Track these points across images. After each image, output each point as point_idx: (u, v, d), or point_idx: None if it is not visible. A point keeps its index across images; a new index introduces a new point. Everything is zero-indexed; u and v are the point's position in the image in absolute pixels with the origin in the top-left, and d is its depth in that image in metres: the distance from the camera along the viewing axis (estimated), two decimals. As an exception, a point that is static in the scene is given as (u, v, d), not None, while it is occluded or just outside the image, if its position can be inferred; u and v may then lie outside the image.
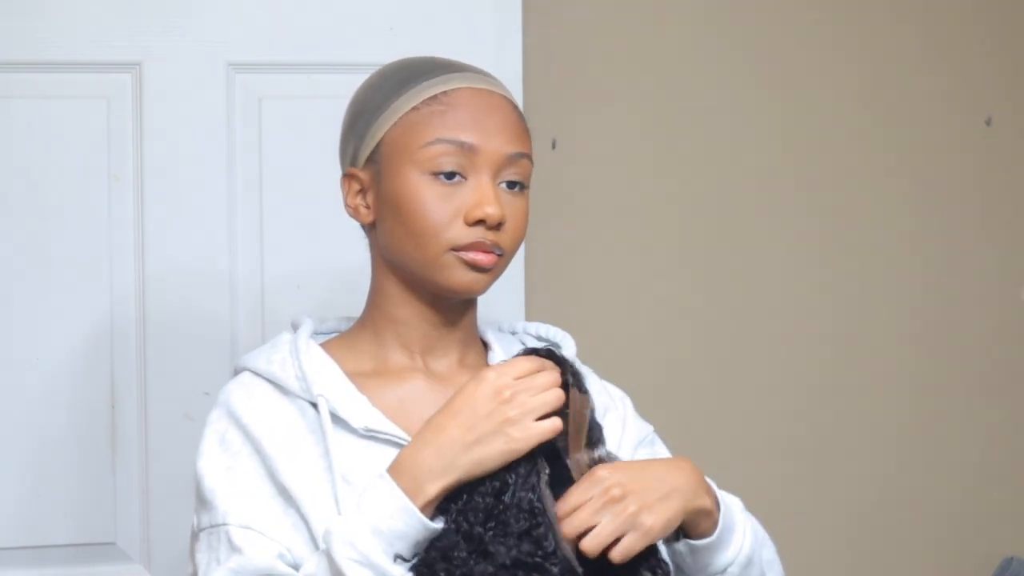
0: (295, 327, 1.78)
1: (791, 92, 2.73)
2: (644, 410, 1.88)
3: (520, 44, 2.54)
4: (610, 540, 1.56)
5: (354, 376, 1.72)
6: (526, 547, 1.54)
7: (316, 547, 1.62)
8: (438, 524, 1.58)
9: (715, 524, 1.65)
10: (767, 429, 2.70)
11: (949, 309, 2.81)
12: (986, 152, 2.81)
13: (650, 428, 1.84)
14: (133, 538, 2.41)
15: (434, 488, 1.57)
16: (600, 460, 1.61)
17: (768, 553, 1.75)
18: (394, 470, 1.59)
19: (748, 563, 1.69)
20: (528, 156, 1.73)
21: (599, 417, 1.67)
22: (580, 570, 1.55)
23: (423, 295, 1.72)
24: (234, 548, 1.62)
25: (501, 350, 1.78)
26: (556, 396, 1.59)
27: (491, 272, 1.69)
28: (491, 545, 1.54)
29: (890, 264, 2.78)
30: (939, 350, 2.81)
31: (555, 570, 1.53)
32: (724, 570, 1.68)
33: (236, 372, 1.76)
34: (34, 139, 2.37)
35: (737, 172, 2.71)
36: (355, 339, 1.76)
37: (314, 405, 1.69)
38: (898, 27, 2.77)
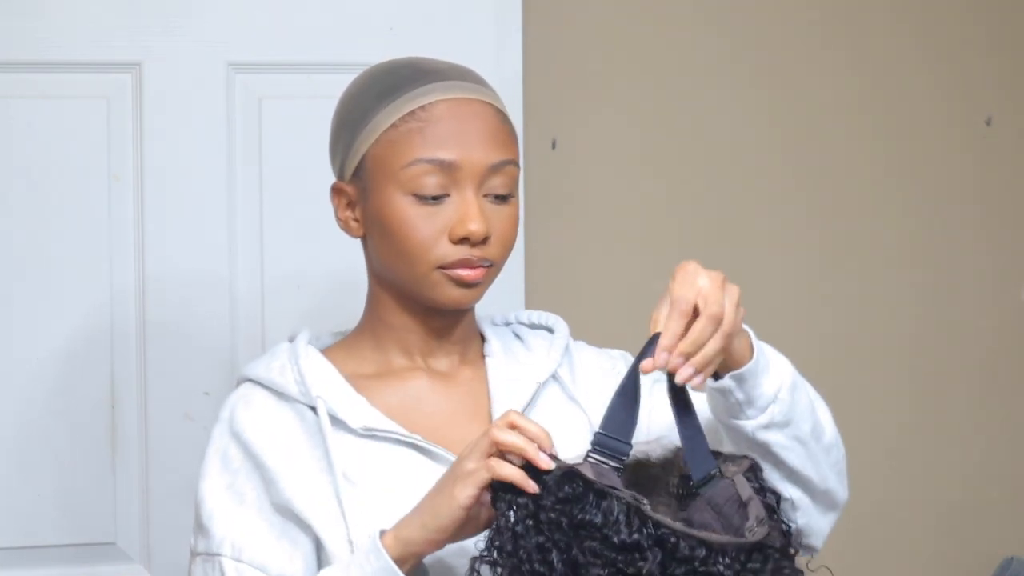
0: (291, 338, 1.78)
1: (791, 92, 2.73)
2: (644, 410, 1.88)
3: (520, 44, 2.54)
4: (735, 316, 1.53)
5: (355, 378, 1.72)
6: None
7: (319, 555, 1.63)
8: None
9: (750, 346, 1.59)
10: (767, 429, 2.70)
11: (949, 309, 2.81)
12: (986, 152, 2.81)
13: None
14: (133, 538, 2.41)
15: (403, 537, 1.56)
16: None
17: (810, 387, 1.68)
18: (388, 532, 1.58)
19: (794, 386, 1.62)
20: (513, 161, 1.70)
21: (600, 377, 1.70)
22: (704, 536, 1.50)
23: (417, 305, 1.72)
24: None
25: (497, 343, 1.79)
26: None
27: (480, 285, 1.69)
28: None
29: (890, 264, 2.78)
30: (939, 350, 2.81)
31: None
32: (776, 396, 1.60)
33: (238, 383, 1.76)
34: (34, 139, 2.37)
35: (737, 172, 2.71)
36: (355, 344, 1.77)
37: (313, 409, 1.69)
38: (898, 27, 2.77)
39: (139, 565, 2.42)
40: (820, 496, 1.68)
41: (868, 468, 2.74)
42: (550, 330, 1.83)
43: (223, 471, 1.68)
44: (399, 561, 1.55)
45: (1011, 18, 2.82)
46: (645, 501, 1.48)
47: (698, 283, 1.54)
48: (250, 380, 1.74)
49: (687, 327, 1.53)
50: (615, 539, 1.46)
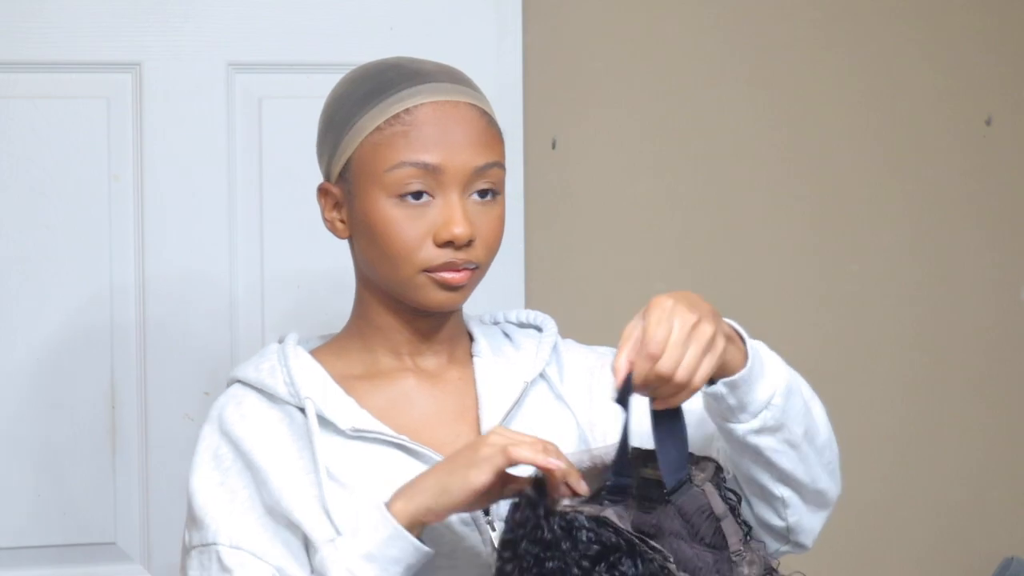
0: (280, 340, 1.79)
1: (791, 92, 2.73)
2: (644, 410, 1.88)
3: (520, 44, 2.54)
4: (699, 367, 1.49)
5: (343, 379, 1.73)
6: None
7: (309, 556, 1.63)
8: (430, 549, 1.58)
9: (744, 353, 1.58)
10: (767, 429, 2.70)
11: (949, 309, 2.81)
12: (986, 152, 2.81)
13: None
14: (133, 538, 2.41)
15: (411, 509, 1.57)
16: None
17: (806, 386, 1.67)
18: (392, 497, 1.59)
19: (789, 391, 1.60)
20: (499, 163, 1.70)
21: (587, 377, 1.72)
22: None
23: (404, 306, 1.73)
24: (225, 568, 1.63)
25: (485, 343, 1.79)
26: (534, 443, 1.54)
27: (465, 288, 1.69)
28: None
29: (890, 264, 2.78)
30: (939, 350, 2.81)
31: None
32: (769, 402, 1.59)
33: (228, 384, 1.76)
34: (34, 139, 2.37)
35: (737, 172, 2.71)
36: (344, 345, 1.77)
37: (302, 410, 1.69)
38: (898, 27, 2.77)
39: (139, 565, 2.42)
40: (811, 495, 1.68)
41: (868, 468, 2.75)
42: (539, 329, 1.83)
43: (215, 469, 1.68)
44: (407, 529, 1.56)
45: (1011, 18, 2.82)
46: (671, 559, 1.50)
47: (670, 327, 1.50)
48: (239, 381, 1.74)
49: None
50: None
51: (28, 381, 2.37)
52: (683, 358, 1.48)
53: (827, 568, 2.73)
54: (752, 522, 1.67)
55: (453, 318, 1.77)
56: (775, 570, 1.58)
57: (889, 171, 2.78)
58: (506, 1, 2.52)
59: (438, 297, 1.68)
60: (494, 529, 1.66)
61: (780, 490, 1.65)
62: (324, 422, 1.68)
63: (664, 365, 1.48)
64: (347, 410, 1.68)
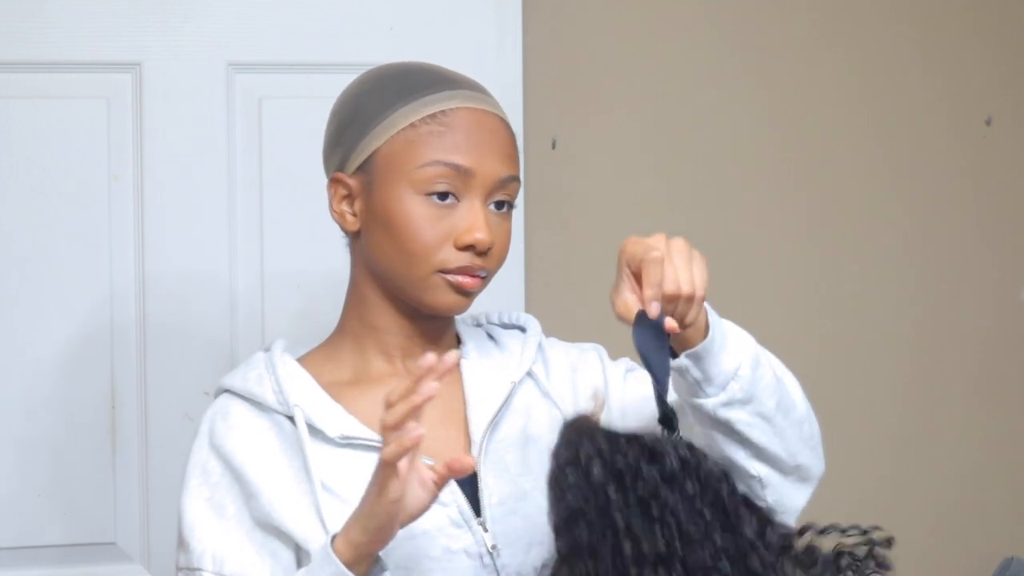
0: (267, 348, 1.79)
1: (790, 92, 2.73)
2: (644, 410, 1.88)
3: (520, 44, 2.54)
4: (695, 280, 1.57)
5: (331, 386, 1.72)
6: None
7: (300, 564, 1.63)
8: None
9: (705, 324, 1.59)
10: (767, 429, 2.70)
11: (948, 309, 2.81)
12: (986, 152, 2.81)
13: (626, 359, 1.83)
14: (133, 538, 2.41)
15: (352, 540, 1.55)
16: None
17: (778, 363, 1.67)
18: (339, 536, 1.58)
19: (756, 362, 1.61)
20: (518, 179, 1.73)
21: (570, 373, 1.74)
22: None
23: (404, 306, 1.73)
24: None
25: (472, 345, 1.79)
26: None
27: (473, 294, 1.70)
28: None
29: (890, 264, 2.78)
30: (939, 350, 2.81)
31: None
32: (735, 372, 1.59)
33: (216, 394, 1.76)
34: (34, 139, 2.38)
35: (737, 172, 2.71)
36: (334, 348, 1.77)
37: (291, 419, 1.69)
38: (897, 27, 2.77)
39: (139, 565, 2.42)
40: (791, 471, 1.67)
41: (868, 468, 2.75)
42: (522, 329, 1.84)
43: (202, 484, 1.69)
44: (354, 563, 1.54)
45: (1011, 18, 2.82)
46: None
47: (649, 239, 1.64)
48: (227, 391, 1.74)
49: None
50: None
51: (28, 381, 2.37)
52: (684, 274, 1.59)
53: (827, 568, 2.73)
54: None
55: (448, 322, 1.77)
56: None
57: (889, 171, 2.78)
58: (506, 1, 2.52)
59: (448, 299, 1.69)
60: (486, 530, 1.66)
61: (756, 468, 1.64)
62: (313, 430, 1.68)
63: (670, 285, 1.58)
64: (335, 418, 1.69)
